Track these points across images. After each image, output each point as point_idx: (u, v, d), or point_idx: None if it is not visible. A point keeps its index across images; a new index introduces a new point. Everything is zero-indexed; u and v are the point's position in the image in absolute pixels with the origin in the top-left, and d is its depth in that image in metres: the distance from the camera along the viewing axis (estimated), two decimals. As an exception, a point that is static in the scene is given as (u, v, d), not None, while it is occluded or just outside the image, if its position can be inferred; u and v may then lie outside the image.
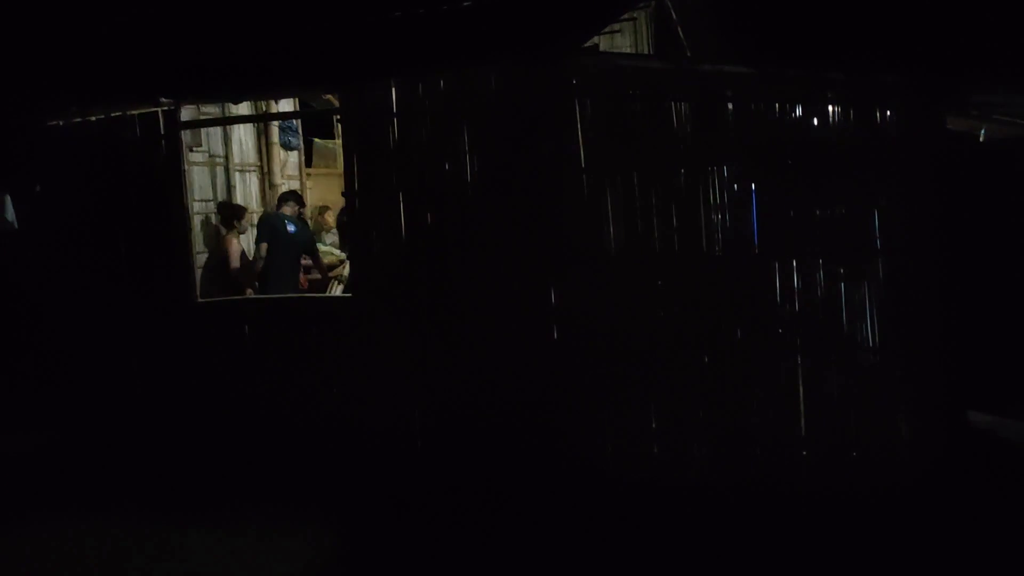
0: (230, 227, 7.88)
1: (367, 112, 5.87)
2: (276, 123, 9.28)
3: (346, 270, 8.34)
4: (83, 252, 6.48)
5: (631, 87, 5.47)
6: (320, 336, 6.12)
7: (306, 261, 8.12)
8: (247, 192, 8.99)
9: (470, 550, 4.79)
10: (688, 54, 7.63)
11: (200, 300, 6.40)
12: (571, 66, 5.52)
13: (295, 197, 8.21)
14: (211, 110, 8.03)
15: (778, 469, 5.32)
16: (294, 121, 9.75)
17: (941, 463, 5.14)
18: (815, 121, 5.20)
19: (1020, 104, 5.69)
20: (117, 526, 5.27)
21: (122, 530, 5.22)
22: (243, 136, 8.98)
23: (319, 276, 8.26)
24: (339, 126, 10.45)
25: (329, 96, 8.30)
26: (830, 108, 5.16)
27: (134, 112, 6.27)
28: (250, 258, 8.00)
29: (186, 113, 6.39)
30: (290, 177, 9.75)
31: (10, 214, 6.79)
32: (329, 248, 8.85)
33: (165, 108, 6.21)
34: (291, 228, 7.72)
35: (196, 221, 7.49)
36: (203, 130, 8.09)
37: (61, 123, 6.46)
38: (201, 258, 7.48)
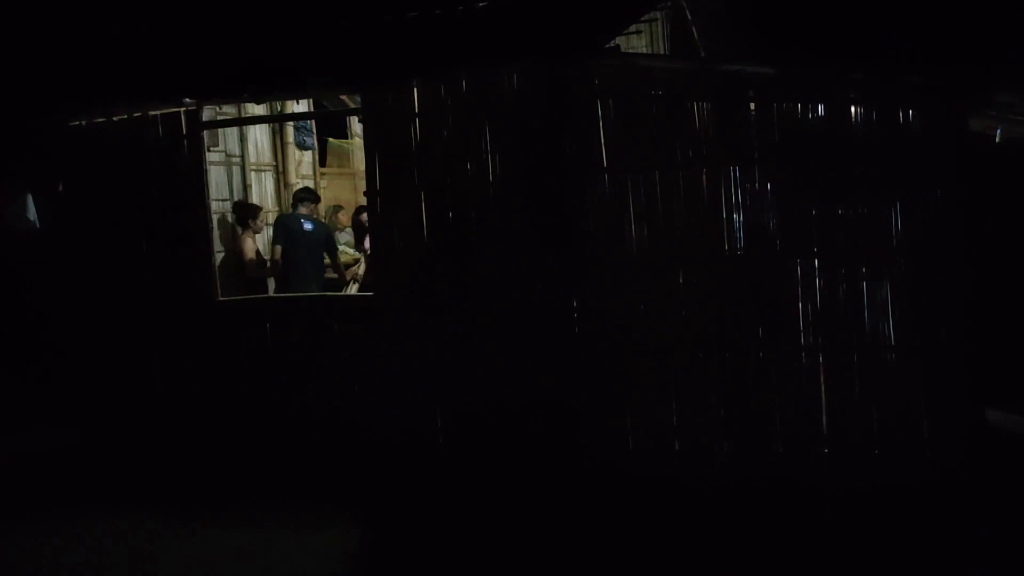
0: (245, 226, 7.92)
1: (389, 112, 5.90)
2: (291, 123, 9.33)
3: (361, 269, 8.38)
4: (104, 251, 6.52)
5: (653, 87, 5.50)
6: (341, 334, 6.16)
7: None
8: (263, 191, 9.04)
9: (492, 547, 4.83)
10: (702, 54, 7.69)
11: (221, 299, 6.44)
12: (593, 66, 5.56)
13: (309, 194, 8.24)
14: (229, 110, 8.07)
15: (799, 466, 5.35)
16: (309, 121, 9.80)
17: (962, 461, 5.16)
18: (837, 121, 5.22)
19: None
20: (146, 521, 5.34)
21: (153, 525, 5.29)
22: (259, 136, 9.03)
23: (335, 276, 8.29)
24: (352, 126, 10.60)
25: (344, 97, 8.36)
26: (853, 108, 5.19)
27: (156, 112, 6.32)
28: (266, 258, 8.05)
29: (205, 113, 6.42)
30: (304, 177, 9.79)
31: (32, 213, 6.83)
32: (343, 247, 8.90)
33: (187, 108, 6.25)
34: (308, 226, 7.76)
35: (214, 220, 7.53)
36: (220, 130, 8.14)
37: (83, 123, 6.50)
38: (218, 257, 7.51)
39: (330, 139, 10.77)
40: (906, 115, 5.15)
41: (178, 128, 6.30)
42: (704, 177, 5.44)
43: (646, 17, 8.13)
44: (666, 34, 8.40)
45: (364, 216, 8.35)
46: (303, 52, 6.21)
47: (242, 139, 8.72)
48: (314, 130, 10.03)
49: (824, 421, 5.33)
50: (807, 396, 5.34)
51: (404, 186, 5.91)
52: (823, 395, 5.33)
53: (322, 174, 10.33)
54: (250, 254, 7.84)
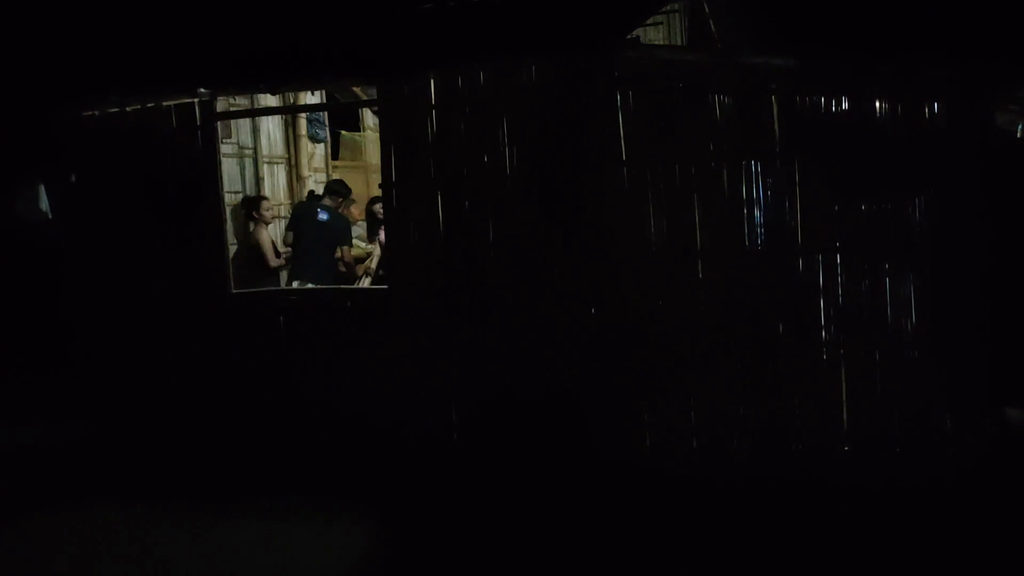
0: (251, 219, 7.88)
1: (406, 104, 5.84)
2: (304, 115, 9.29)
3: (373, 263, 8.33)
4: (117, 243, 6.49)
5: (673, 79, 5.43)
6: (356, 328, 6.12)
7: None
8: (275, 184, 9.00)
9: (507, 541, 4.79)
10: (719, 46, 7.61)
11: (235, 291, 6.40)
12: (613, 58, 5.49)
13: (339, 187, 8.18)
14: (241, 101, 8.03)
15: (819, 464, 5.30)
16: (322, 113, 9.76)
17: (983, 459, 5.11)
18: (861, 114, 5.16)
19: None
20: (159, 512, 5.32)
21: (166, 516, 5.27)
22: (271, 128, 8.99)
23: (344, 269, 8.23)
24: (365, 119, 10.55)
25: (357, 89, 8.31)
26: (876, 103, 5.12)
27: (170, 103, 6.27)
28: (279, 248, 8.03)
29: (219, 105, 6.37)
30: (316, 169, 9.76)
31: (44, 204, 6.81)
32: (355, 241, 8.84)
33: (201, 99, 6.20)
34: (323, 216, 7.70)
35: (227, 212, 7.50)
36: (233, 122, 8.10)
37: (96, 113, 6.46)
38: (232, 250, 7.48)
39: (343, 132, 10.73)
40: (931, 109, 5.09)
41: (192, 119, 6.25)
42: (725, 171, 5.37)
43: (664, 9, 8.06)
44: (684, 27, 8.34)
45: (377, 207, 8.30)
46: (320, 42, 6.17)
47: (255, 131, 8.68)
48: (327, 123, 9.99)
49: (845, 418, 5.28)
50: (828, 393, 5.29)
51: (420, 179, 5.86)
52: (844, 392, 5.27)
53: (334, 167, 10.29)
54: (267, 245, 7.80)
